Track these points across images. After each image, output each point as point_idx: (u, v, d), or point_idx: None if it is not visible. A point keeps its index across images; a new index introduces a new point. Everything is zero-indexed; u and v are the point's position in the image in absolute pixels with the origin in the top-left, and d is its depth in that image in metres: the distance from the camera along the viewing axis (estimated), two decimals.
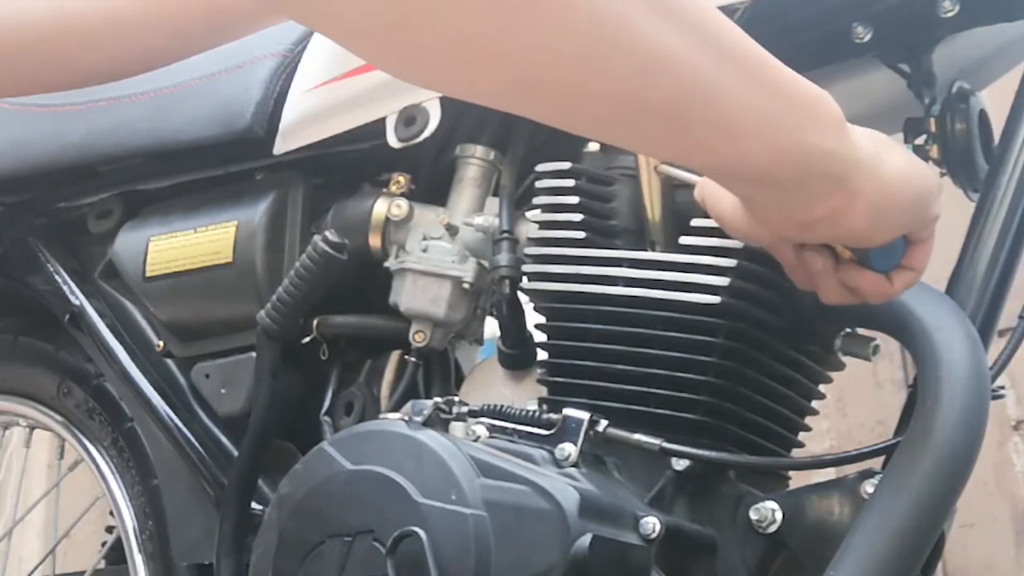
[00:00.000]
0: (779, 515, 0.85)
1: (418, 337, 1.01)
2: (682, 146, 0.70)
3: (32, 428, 1.39)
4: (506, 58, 0.62)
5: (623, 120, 0.67)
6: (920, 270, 0.81)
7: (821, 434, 2.06)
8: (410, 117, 1.03)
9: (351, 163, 1.11)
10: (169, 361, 1.19)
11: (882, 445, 0.82)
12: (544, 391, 0.95)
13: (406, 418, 0.87)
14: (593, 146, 0.96)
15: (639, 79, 0.65)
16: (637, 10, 0.63)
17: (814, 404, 0.96)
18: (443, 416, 0.91)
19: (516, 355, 1.00)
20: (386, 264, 1.02)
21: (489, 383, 1.02)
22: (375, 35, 0.60)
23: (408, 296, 1.01)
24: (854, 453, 0.84)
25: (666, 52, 0.64)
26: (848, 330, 0.92)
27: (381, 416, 0.94)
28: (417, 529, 0.77)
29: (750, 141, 0.69)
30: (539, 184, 0.96)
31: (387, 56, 0.62)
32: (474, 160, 1.05)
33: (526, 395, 0.98)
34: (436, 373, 1.07)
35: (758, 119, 0.68)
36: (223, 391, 1.14)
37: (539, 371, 0.97)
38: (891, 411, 0.91)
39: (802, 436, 0.97)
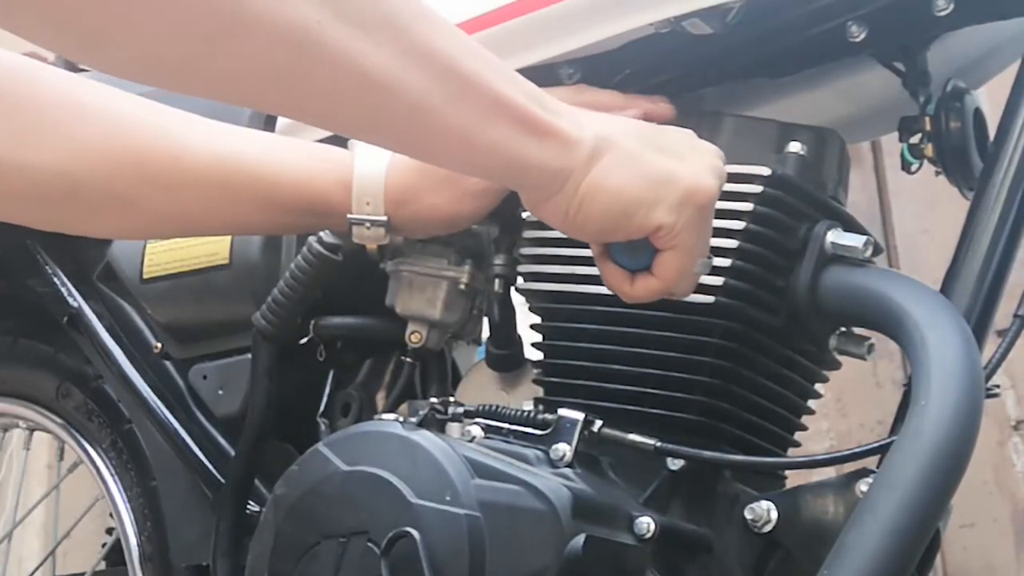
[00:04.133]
0: (774, 514, 0.85)
1: (414, 338, 1.01)
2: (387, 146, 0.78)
3: (32, 430, 1.40)
4: (205, 79, 0.65)
5: (320, 125, 0.74)
6: (663, 279, 0.82)
7: (821, 434, 2.06)
8: None
9: None
10: (167, 363, 1.19)
11: (876, 444, 0.82)
12: (540, 391, 0.95)
13: (401, 419, 0.88)
14: None
15: (330, 100, 0.68)
16: (325, 24, 0.64)
17: (812, 404, 0.96)
18: (439, 417, 0.91)
19: (504, 356, 1.00)
20: (382, 265, 1.02)
21: (485, 383, 1.02)
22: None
23: (404, 297, 1.01)
24: (847, 453, 0.84)
25: (361, 72, 0.66)
26: (843, 329, 0.91)
27: (377, 417, 0.94)
28: (411, 530, 0.77)
29: (446, 156, 0.77)
30: None
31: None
32: None
33: (522, 395, 0.99)
34: (433, 374, 1.07)
35: (458, 139, 0.72)
36: (221, 392, 1.14)
37: (535, 371, 0.97)
38: (891, 411, 0.90)
39: (801, 436, 0.97)
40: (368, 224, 0.94)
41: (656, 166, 0.79)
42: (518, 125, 0.74)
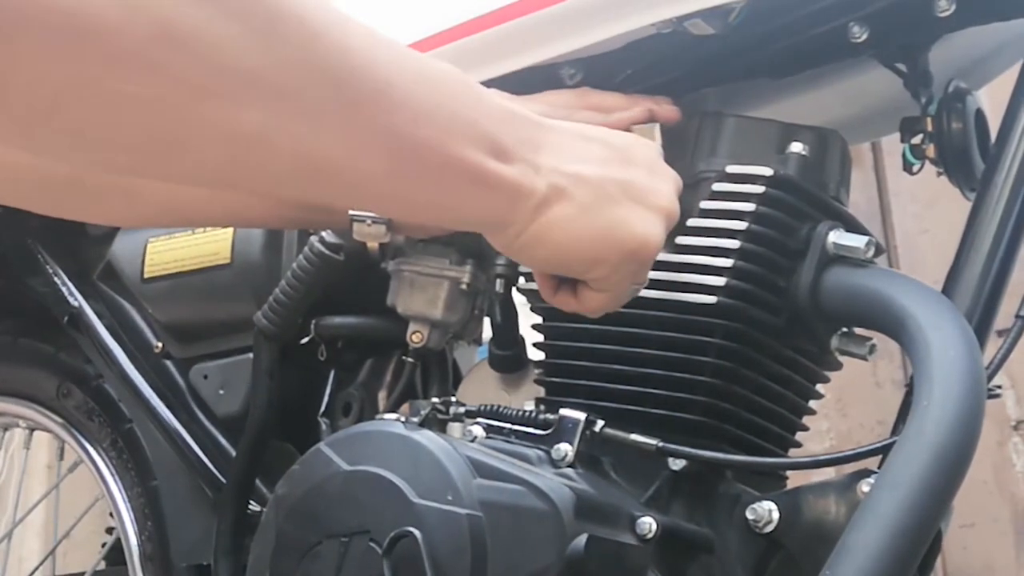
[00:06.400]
0: (776, 515, 0.85)
1: (415, 338, 1.01)
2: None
3: (32, 429, 1.40)
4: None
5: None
6: (583, 307, 0.80)
7: (821, 434, 2.06)
8: None
9: None
10: (168, 362, 1.19)
11: (878, 444, 0.82)
12: (541, 391, 0.95)
13: (402, 419, 0.88)
14: None
15: (279, 181, 0.64)
16: (273, 125, 0.59)
17: (812, 404, 0.96)
18: (440, 416, 0.91)
19: (507, 357, 1.00)
20: (383, 265, 1.02)
21: (486, 383, 1.02)
22: None
23: (405, 297, 1.01)
24: (849, 453, 0.84)
25: (309, 157, 0.62)
26: (845, 329, 0.91)
27: (378, 416, 0.94)
28: (413, 529, 0.77)
29: (385, 213, 0.81)
30: None
31: None
32: None
33: (524, 396, 0.99)
34: (434, 373, 1.08)
35: (399, 203, 0.70)
36: (221, 392, 1.15)
37: (536, 371, 0.97)
38: (891, 411, 0.90)
39: (801, 436, 0.97)
40: (369, 221, 0.93)
41: (605, 222, 0.75)
42: (464, 183, 0.70)
